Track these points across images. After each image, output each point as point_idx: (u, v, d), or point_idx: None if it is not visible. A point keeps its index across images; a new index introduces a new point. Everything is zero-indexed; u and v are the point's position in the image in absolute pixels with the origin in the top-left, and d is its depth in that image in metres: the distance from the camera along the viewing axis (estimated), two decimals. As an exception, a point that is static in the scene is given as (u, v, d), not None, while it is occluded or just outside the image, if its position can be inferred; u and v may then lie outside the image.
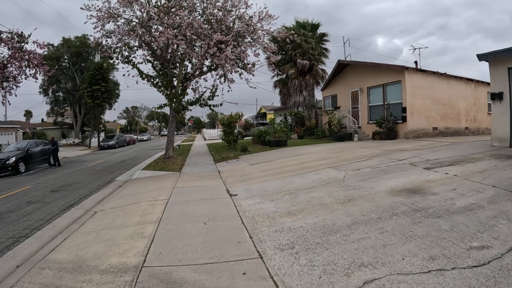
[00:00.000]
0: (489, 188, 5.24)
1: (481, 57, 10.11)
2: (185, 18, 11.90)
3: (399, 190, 5.73)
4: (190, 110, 15.32)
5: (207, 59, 12.97)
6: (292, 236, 4.11)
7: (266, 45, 13.24)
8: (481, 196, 4.85)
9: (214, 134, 41.72)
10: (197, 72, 13.84)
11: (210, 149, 20.64)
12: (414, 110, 14.84)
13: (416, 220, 4.18)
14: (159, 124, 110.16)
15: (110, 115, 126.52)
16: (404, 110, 14.93)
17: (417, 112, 14.91)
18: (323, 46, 26.23)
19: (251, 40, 13.30)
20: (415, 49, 19.57)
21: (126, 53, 13.60)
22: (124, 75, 13.68)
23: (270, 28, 13.22)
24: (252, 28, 12.89)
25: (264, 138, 17.34)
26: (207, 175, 10.47)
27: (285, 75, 25.65)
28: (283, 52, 24.56)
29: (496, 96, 9.80)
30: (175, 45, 12.36)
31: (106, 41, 12.93)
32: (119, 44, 13.10)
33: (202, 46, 12.64)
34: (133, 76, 13.62)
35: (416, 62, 17.81)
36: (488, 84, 18.17)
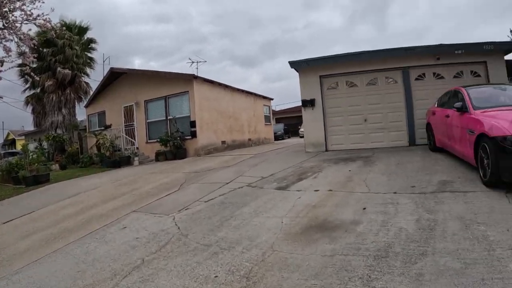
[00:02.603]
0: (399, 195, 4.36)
1: (293, 64, 10.24)
2: None
3: (300, 232, 3.81)
4: None
5: None
6: None
7: (22, 36, 7.95)
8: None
9: None
10: None
11: None
12: (203, 124, 13.77)
13: None
14: None
15: None
16: (193, 124, 13.57)
17: (206, 126, 13.94)
18: (90, 54, 21.87)
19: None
20: (192, 62, 18.87)
21: None
22: None
23: (31, 11, 7.98)
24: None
25: (17, 174, 11.67)
26: None
27: (40, 88, 19.75)
28: (40, 58, 18.43)
29: (308, 103, 10.11)
30: None
31: None
32: None
33: None
34: None
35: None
36: (264, 97, 20.16)
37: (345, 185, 5.61)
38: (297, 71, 10.52)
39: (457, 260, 2.79)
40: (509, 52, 9.53)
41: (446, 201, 4.21)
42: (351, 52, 9.56)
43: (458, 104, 5.81)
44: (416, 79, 9.01)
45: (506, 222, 3.39)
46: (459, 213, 3.77)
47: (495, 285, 2.41)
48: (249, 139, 17.50)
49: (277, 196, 5.49)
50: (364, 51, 9.34)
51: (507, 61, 9.00)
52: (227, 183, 6.92)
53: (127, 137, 15.52)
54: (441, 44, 8.67)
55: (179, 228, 4.53)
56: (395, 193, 4.77)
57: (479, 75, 8.80)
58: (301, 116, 11.35)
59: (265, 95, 20.00)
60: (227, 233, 4.07)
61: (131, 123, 15.86)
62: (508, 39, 23.82)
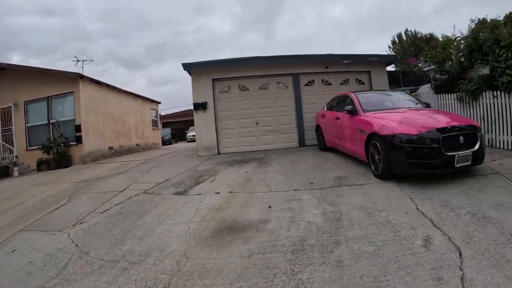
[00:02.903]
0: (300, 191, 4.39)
1: (186, 66, 9.78)
2: None
3: (211, 236, 3.55)
4: None
5: None
6: None
7: None
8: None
9: None
10: None
11: None
12: (89, 128, 12.13)
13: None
14: None
15: None
16: (78, 128, 11.82)
17: (92, 130, 12.32)
18: None
19: None
20: (78, 60, 16.43)
21: None
22: None
23: None
24: None
25: None
26: None
27: None
28: None
29: (200, 106, 9.81)
30: None
31: None
32: None
33: None
34: None
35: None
36: (152, 101, 18.95)
37: (244, 186, 5.54)
38: (189, 74, 10.18)
39: (369, 244, 2.93)
40: (390, 64, 11.15)
41: (346, 194, 4.49)
42: (246, 57, 9.72)
43: (348, 107, 6.36)
44: (306, 84, 9.69)
45: (403, 207, 3.77)
46: (360, 203, 4.05)
47: (408, 260, 2.60)
48: (137, 144, 16.21)
49: (178, 201, 5.06)
50: (258, 56, 9.62)
51: (388, 71, 10.46)
52: (121, 191, 6.14)
53: (4, 143, 12.61)
54: (331, 54, 9.53)
55: (77, 245, 3.73)
56: (295, 190, 4.88)
57: (363, 83, 9.92)
58: (188, 120, 11.06)
59: (152, 98, 18.92)
60: (133, 246, 3.51)
61: (9, 128, 12.96)
62: (385, 53, 28.21)
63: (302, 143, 9.56)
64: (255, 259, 2.87)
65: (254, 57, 9.62)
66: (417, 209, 3.68)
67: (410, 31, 31.47)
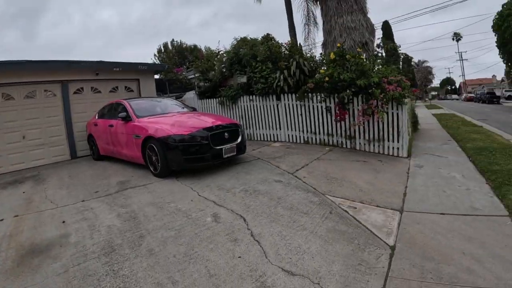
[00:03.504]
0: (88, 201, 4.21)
1: None
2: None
3: (16, 265, 3.02)
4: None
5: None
6: None
7: None
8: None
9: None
10: None
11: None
12: None
13: None
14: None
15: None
16: None
17: None
18: None
19: None
20: None
21: None
22: None
23: None
24: None
25: None
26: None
27: None
28: None
29: None
30: None
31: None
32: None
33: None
34: None
35: None
36: None
37: (28, 207, 4.78)
38: None
39: (170, 230, 3.40)
40: (158, 73, 11.66)
41: (133, 195, 4.71)
42: (9, 61, 7.81)
43: (122, 114, 6.43)
44: (75, 92, 8.79)
45: (187, 196, 4.44)
46: (148, 201, 4.39)
47: (206, 233, 3.26)
48: None
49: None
50: (23, 60, 7.91)
51: (156, 79, 10.84)
52: None
53: None
54: (101, 61, 9.00)
55: None
56: (83, 201, 4.68)
57: (132, 90, 9.91)
58: None
59: None
60: None
61: None
62: (151, 61, 28.49)
63: (74, 154, 8.67)
64: (73, 272, 2.76)
65: (19, 61, 7.86)
66: (200, 195, 4.42)
67: (176, 41, 33.88)
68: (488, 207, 3.89)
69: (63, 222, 3.91)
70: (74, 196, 4.98)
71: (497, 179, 4.74)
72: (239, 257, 2.84)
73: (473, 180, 4.98)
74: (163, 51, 32.93)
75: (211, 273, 2.62)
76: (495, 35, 29.28)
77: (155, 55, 33.26)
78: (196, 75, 11.16)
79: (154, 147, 5.45)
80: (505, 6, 26.78)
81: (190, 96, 10.76)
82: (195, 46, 32.99)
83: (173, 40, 33.69)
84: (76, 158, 8.46)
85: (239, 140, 6.04)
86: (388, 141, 6.71)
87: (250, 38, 9.68)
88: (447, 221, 3.52)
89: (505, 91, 44.68)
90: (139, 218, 3.77)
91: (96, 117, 7.77)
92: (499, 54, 30.94)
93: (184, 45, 33.35)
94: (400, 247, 2.98)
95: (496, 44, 29.97)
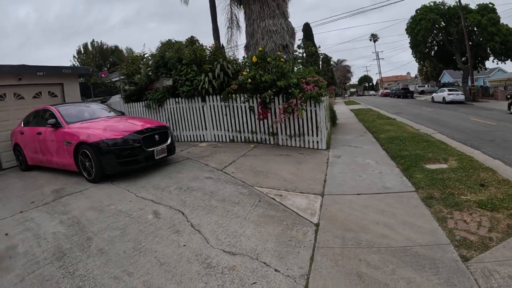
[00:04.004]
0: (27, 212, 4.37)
1: None
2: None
3: None
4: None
5: None
6: None
7: None
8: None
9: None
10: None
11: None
12: None
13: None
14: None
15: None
16: None
17: None
18: None
19: None
20: None
21: None
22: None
23: None
24: None
25: None
26: None
27: None
28: None
29: None
30: None
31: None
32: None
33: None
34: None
35: None
36: None
37: None
38: None
39: (115, 230, 3.82)
40: (82, 76, 11.24)
41: (71, 202, 4.91)
42: None
43: (51, 121, 6.39)
44: None
45: (125, 198, 4.81)
46: (88, 205, 4.66)
47: (149, 229, 3.76)
48: None
49: None
50: None
51: (80, 83, 10.50)
52: None
53: None
54: (24, 65, 8.48)
55: None
56: (22, 212, 4.73)
57: (56, 95, 9.48)
58: None
59: None
60: None
61: None
62: (70, 63, 26.63)
63: (-1, 167, 8.22)
64: (30, 279, 2.97)
65: None
66: (137, 196, 4.83)
67: (97, 41, 32.24)
68: (398, 185, 4.90)
69: (6, 234, 4.03)
70: (10, 208, 5.00)
71: (406, 163, 5.87)
72: (184, 245, 3.34)
73: (385, 165, 6.08)
74: (83, 52, 31.36)
75: (162, 261, 3.08)
76: (408, 37, 32.83)
77: (74, 56, 31.64)
78: (121, 77, 11.15)
79: (88, 152, 5.63)
80: (418, 11, 30.32)
81: (116, 100, 10.76)
82: (116, 47, 31.91)
83: (93, 40, 32.47)
84: (1, 170, 8.06)
85: (169, 141, 6.50)
86: (308, 135, 7.65)
87: (175, 41, 10.05)
88: (363, 200, 4.41)
89: (418, 86, 52.42)
90: (82, 222, 4.07)
91: (22, 125, 7.51)
92: (412, 54, 35.07)
93: (105, 46, 32.08)
94: (323, 224, 3.74)
95: (409, 45, 33.71)
